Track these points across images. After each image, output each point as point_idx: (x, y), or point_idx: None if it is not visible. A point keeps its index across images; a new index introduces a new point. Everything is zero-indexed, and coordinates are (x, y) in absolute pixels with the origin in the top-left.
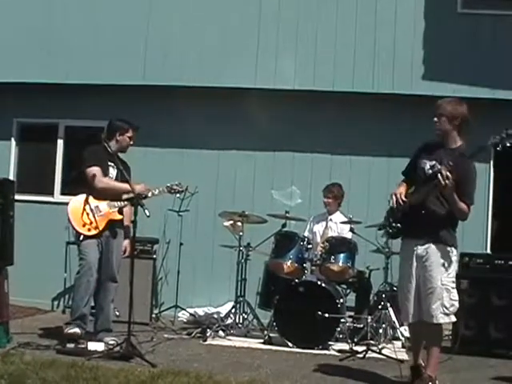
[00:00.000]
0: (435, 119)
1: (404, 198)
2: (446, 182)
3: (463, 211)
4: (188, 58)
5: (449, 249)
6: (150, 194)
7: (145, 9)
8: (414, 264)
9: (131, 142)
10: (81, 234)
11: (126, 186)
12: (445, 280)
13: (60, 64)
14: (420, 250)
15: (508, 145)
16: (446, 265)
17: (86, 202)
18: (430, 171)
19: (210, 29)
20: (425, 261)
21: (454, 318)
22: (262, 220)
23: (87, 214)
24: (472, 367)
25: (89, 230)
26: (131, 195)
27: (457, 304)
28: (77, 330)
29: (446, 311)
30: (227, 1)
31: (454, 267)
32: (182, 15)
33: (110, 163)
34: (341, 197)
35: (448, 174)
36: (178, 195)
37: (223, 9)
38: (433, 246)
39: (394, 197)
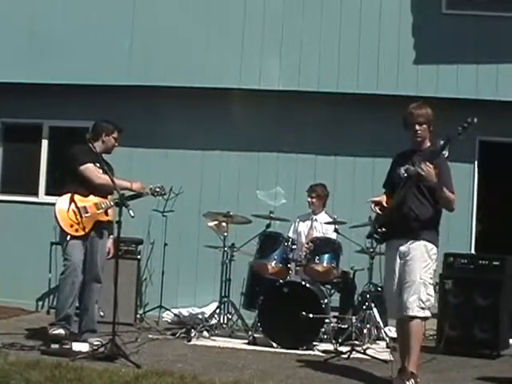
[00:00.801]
0: (417, 127)
1: (378, 207)
2: (427, 169)
3: (450, 199)
4: (173, 58)
5: (430, 246)
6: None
7: (129, 9)
8: (397, 261)
9: (116, 144)
10: (68, 233)
11: (124, 182)
12: (423, 275)
13: (44, 64)
14: (403, 247)
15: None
16: (426, 261)
17: (73, 201)
18: (405, 174)
19: (194, 29)
20: (406, 256)
21: (428, 313)
22: (247, 220)
23: (74, 213)
24: (456, 367)
25: (76, 230)
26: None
27: (432, 299)
28: (61, 330)
29: (422, 305)
30: (212, 1)
31: (433, 264)
32: (167, 15)
33: (95, 164)
34: (325, 197)
35: (427, 163)
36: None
37: (208, 9)
38: (415, 243)
39: (371, 204)
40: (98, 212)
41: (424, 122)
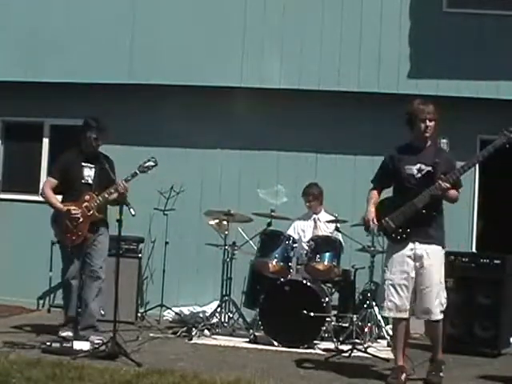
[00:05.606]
0: (428, 123)
1: (375, 222)
2: (447, 185)
3: (456, 197)
4: (174, 56)
5: (443, 250)
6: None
7: (130, 8)
8: (412, 264)
9: (99, 142)
10: (66, 245)
11: (59, 206)
12: (441, 279)
13: (45, 63)
14: (419, 250)
15: None
16: (442, 264)
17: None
18: (419, 174)
19: (195, 27)
20: (423, 260)
21: (442, 315)
22: (248, 219)
23: (67, 223)
24: (457, 366)
25: (72, 238)
26: (114, 195)
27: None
28: (70, 333)
29: (442, 308)
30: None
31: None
32: (168, 14)
33: (84, 164)
34: (320, 195)
35: (444, 180)
36: (168, 196)
37: (209, 7)
38: (432, 248)
39: (366, 222)
40: (89, 214)
41: (434, 119)
